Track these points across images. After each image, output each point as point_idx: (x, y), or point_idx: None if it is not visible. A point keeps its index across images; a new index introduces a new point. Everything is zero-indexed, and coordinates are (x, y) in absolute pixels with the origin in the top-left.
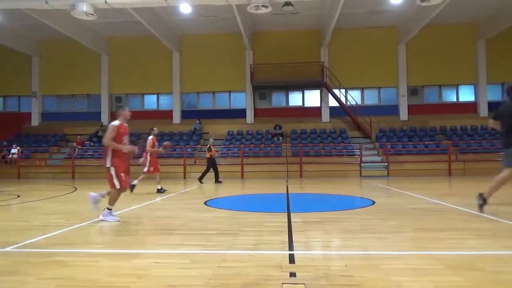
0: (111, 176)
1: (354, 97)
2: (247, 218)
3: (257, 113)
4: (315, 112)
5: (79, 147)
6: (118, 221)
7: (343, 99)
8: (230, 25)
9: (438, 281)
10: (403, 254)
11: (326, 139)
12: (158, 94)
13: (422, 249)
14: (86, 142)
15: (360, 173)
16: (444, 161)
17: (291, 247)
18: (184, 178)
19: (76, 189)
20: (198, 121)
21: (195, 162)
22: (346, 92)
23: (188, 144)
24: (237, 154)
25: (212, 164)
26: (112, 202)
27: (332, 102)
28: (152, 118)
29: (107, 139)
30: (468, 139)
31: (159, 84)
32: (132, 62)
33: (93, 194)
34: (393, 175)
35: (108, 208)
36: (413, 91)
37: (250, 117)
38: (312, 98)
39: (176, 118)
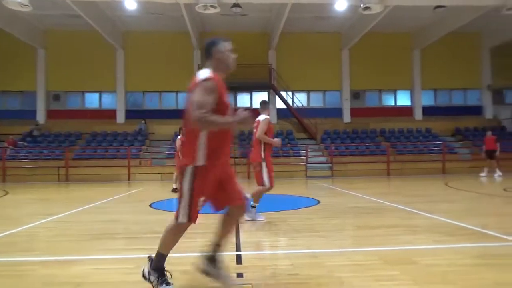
0: (261, 172)
1: (300, 100)
2: None
3: None
4: None
5: (11, 147)
6: (263, 220)
7: (290, 101)
8: (178, 24)
9: (377, 276)
10: (345, 251)
11: None
12: (100, 92)
13: (362, 246)
14: (19, 142)
15: (306, 173)
16: (383, 162)
17: (238, 248)
18: (129, 180)
19: (7, 193)
20: (143, 121)
21: (140, 163)
22: (293, 94)
23: (132, 145)
24: None
25: None
26: (257, 199)
27: (280, 104)
28: (94, 117)
29: (261, 132)
30: (405, 141)
31: (101, 82)
32: (72, 58)
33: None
34: (337, 175)
35: (252, 207)
36: (355, 95)
37: None
38: (260, 99)
39: (120, 117)
